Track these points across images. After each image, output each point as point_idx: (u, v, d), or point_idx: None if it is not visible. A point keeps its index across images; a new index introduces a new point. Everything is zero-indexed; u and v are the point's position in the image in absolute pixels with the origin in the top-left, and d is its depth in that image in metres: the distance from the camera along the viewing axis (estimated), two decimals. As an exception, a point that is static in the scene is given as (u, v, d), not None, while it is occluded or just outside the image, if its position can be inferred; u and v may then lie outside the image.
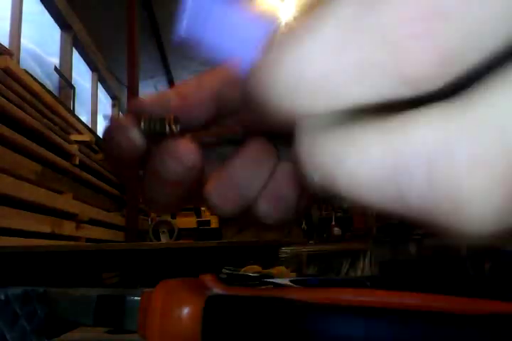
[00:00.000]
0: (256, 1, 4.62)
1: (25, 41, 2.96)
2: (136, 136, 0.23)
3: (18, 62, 2.70)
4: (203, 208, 3.90)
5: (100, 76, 4.75)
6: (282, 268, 1.25)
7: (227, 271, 1.41)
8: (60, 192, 2.06)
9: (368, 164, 0.10)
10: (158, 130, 0.23)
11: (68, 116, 2.50)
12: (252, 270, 1.22)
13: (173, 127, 0.22)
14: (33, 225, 1.73)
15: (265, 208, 0.23)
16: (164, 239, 3.38)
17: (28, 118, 1.77)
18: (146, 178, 0.24)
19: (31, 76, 2.06)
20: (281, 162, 0.24)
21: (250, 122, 0.23)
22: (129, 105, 0.26)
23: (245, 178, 0.23)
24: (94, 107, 4.53)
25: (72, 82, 3.74)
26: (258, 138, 0.23)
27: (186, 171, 0.22)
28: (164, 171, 0.22)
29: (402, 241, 3.48)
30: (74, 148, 2.29)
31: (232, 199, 0.23)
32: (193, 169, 0.22)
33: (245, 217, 0.24)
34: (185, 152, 0.22)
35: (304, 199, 0.24)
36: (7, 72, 1.72)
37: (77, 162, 2.28)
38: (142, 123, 0.23)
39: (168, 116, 0.23)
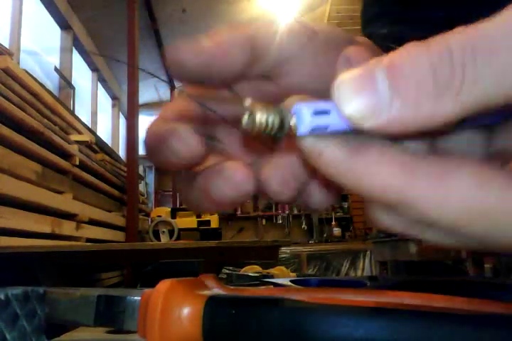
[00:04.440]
0: (255, 4, 4.62)
1: (25, 41, 2.96)
2: (194, 144, 0.20)
3: (18, 62, 2.70)
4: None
5: (100, 76, 4.75)
6: (282, 268, 1.25)
7: (227, 271, 1.41)
8: (60, 192, 2.06)
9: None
10: (273, 131, 0.16)
11: (68, 116, 2.50)
12: (252, 270, 1.22)
13: (292, 128, 0.16)
14: (33, 225, 1.73)
15: (317, 199, 0.24)
16: (164, 239, 3.38)
17: (28, 119, 1.77)
18: (189, 185, 0.22)
19: (31, 76, 2.06)
20: None
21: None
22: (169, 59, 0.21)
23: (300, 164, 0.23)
24: (94, 107, 4.54)
25: (72, 82, 3.74)
26: None
27: (239, 197, 0.21)
28: (215, 191, 0.21)
29: (402, 241, 3.48)
30: (74, 148, 2.29)
31: (291, 186, 0.23)
32: (246, 195, 0.21)
33: (297, 201, 0.24)
34: (242, 180, 0.20)
35: None
36: (7, 72, 1.72)
37: (77, 162, 2.28)
38: (246, 117, 0.16)
39: (285, 110, 0.16)
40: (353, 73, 0.15)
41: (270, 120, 0.16)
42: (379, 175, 0.15)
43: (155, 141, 0.21)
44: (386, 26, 0.39)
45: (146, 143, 0.22)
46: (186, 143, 0.20)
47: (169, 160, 0.21)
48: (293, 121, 0.16)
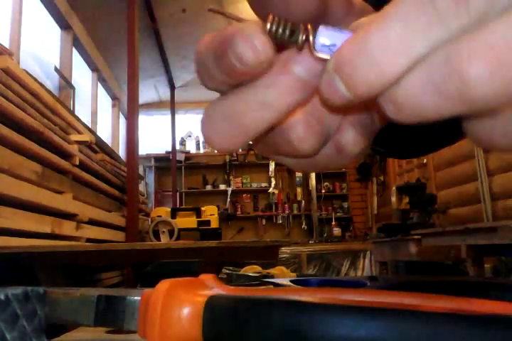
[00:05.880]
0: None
1: (25, 41, 2.96)
2: (266, 45, 0.18)
3: (18, 62, 2.70)
4: (203, 208, 3.91)
5: (100, 76, 4.75)
6: (282, 268, 1.25)
7: (227, 271, 1.41)
8: (60, 192, 2.06)
9: None
10: (290, 39, 0.19)
11: (68, 116, 2.50)
12: (252, 270, 1.22)
13: (310, 37, 0.18)
14: (33, 225, 1.73)
15: (350, 137, 0.22)
16: (164, 239, 3.38)
17: (28, 119, 1.77)
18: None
19: (31, 76, 2.06)
20: None
21: None
22: None
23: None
24: (94, 107, 4.53)
25: (72, 82, 3.74)
26: None
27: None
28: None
29: (402, 241, 3.48)
30: (74, 148, 2.29)
31: (316, 131, 0.21)
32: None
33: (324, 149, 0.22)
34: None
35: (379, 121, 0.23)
36: (7, 72, 1.72)
37: (77, 162, 2.28)
38: (269, 26, 0.18)
39: (303, 22, 0.19)
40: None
41: (288, 28, 0.18)
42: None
43: (215, 46, 0.19)
44: None
45: (201, 50, 0.20)
46: (253, 44, 0.18)
47: (231, 67, 0.18)
48: (311, 34, 0.18)
